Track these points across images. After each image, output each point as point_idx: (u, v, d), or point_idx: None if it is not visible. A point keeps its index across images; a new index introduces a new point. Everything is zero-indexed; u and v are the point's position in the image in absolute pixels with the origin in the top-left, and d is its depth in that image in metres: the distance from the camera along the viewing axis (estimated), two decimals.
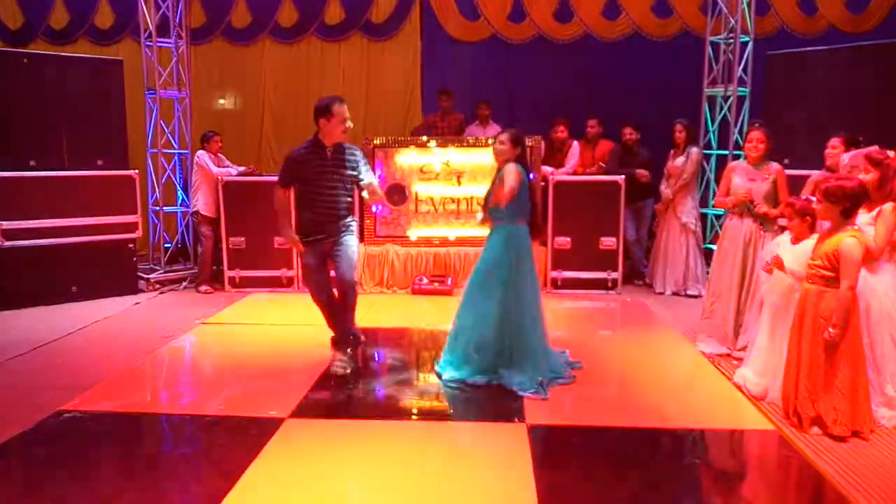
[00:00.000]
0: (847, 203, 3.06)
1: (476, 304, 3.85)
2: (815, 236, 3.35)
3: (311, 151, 3.87)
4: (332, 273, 4.02)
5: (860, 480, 2.74)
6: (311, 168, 3.85)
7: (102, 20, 7.64)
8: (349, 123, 3.85)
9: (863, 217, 3.29)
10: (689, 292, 5.97)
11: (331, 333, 4.16)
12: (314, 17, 7.48)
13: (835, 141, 4.08)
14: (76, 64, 5.90)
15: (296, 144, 8.08)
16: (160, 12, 6.38)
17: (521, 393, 3.63)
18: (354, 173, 3.92)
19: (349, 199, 3.97)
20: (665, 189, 6.09)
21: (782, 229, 3.96)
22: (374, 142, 6.26)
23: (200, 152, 6.12)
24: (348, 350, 4.09)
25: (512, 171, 3.68)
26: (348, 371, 3.98)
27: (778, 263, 3.48)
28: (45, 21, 7.65)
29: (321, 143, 3.87)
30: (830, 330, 3.04)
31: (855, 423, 3.09)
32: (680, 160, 5.97)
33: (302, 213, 3.98)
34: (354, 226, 4.04)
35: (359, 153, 3.99)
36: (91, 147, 5.76)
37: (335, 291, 4.05)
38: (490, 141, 6.27)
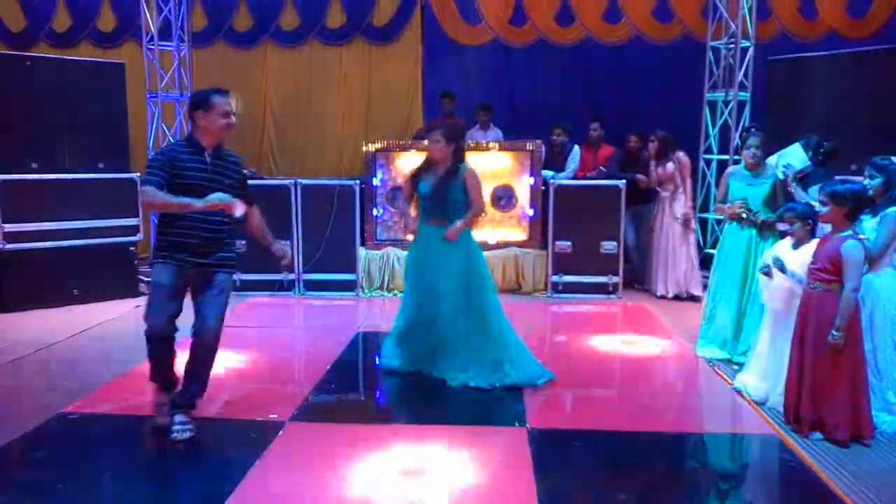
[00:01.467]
0: (853, 204, 3.07)
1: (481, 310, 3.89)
2: (816, 240, 3.35)
3: (190, 153, 3.09)
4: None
5: (861, 486, 2.74)
6: (193, 172, 3.05)
7: (104, 23, 7.67)
8: (233, 119, 3.13)
9: (869, 223, 3.30)
10: (691, 291, 5.97)
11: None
12: (316, 21, 7.50)
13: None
14: (78, 67, 5.92)
15: (297, 148, 8.11)
16: (162, 15, 6.41)
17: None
18: (237, 185, 3.18)
19: (227, 218, 3.13)
20: (663, 193, 6.09)
21: (783, 235, 3.97)
22: (376, 145, 6.28)
23: None
24: (187, 410, 3.23)
25: (476, 175, 3.88)
26: (189, 436, 3.15)
27: (778, 266, 3.49)
28: (47, 24, 7.68)
29: (198, 144, 3.10)
30: (834, 333, 3.04)
31: (855, 428, 3.09)
32: (670, 166, 5.98)
33: (167, 227, 3.11)
34: (234, 259, 3.28)
35: (240, 160, 3.28)
36: (93, 150, 5.76)
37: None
38: (489, 144, 6.33)
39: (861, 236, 3.15)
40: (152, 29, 6.33)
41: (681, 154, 6.03)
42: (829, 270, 3.09)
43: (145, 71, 6.41)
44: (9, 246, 5.39)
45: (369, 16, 7.48)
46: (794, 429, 3.21)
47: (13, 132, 5.47)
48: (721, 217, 5.53)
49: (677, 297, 6.01)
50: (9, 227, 5.38)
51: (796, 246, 3.55)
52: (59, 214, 5.54)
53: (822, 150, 4.06)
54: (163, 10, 6.42)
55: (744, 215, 4.17)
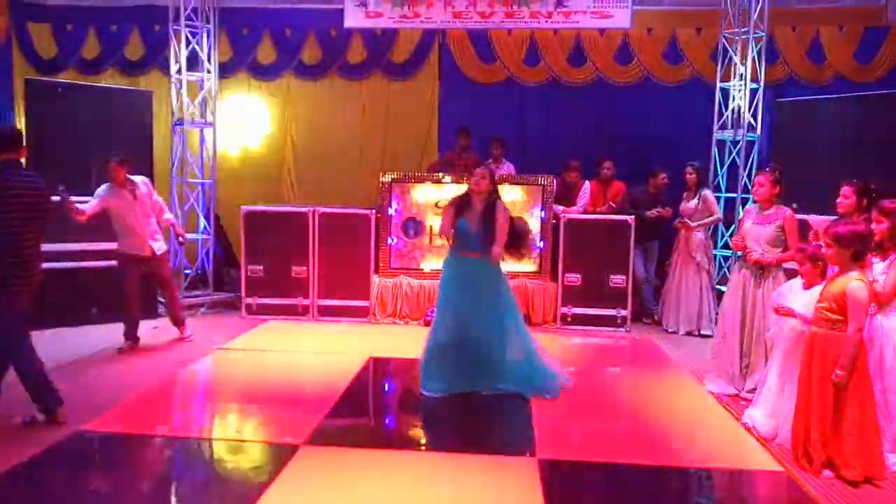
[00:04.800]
0: (859, 246, 3.12)
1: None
2: None
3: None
4: None
5: None
6: None
7: (132, 52, 7.92)
8: None
9: (877, 266, 3.34)
10: (702, 332, 6.00)
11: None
12: (337, 56, 7.74)
13: (846, 189, 3.99)
14: (108, 94, 6.15)
15: (316, 176, 8.25)
16: (190, 47, 6.65)
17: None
18: None
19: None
20: (679, 227, 6.18)
21: (789, 275, 4.02)
22: (392, 176, 6.43)
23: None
24: None
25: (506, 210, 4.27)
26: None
27: (787, 313, 3.55)
28: (77, 52, 7.94)
29: None
30: (838, 372, 3.08)
31: (866, 468, 3.10)
32: (693, 202, 6.09)
33: None
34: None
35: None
36: None
37: None
38: (503, 178, 6.47)
39: (871, 279, 3.21)
40: (180, 59, 6.56)
41: (706, 192, 6.12)
42: (834, 310, 3.14)
43: (172, 100, 6.62)
44: None
45: (389, 52, 7.71)
46: (803, 466, 3.23)
47: (43, 155, 5.66)
48: (730, 253, 5.60)
49: (689, 334, 6.05)
50: None
51: (807, 287, 3.61)
52: (82, 235, 5.66)
53: (873, 193, 3.82)
54: (190, 41, 6.66)
55: (739, 248, 4.31)
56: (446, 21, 7.17)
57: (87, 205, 4.98)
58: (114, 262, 5.76)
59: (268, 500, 2.83)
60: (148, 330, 5.54)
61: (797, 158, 5.90)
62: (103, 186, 5.11)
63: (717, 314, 5.84)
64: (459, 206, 4.23)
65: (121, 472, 3.16)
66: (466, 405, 4.11)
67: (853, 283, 3.09)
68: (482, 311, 4.15)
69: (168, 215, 5.49)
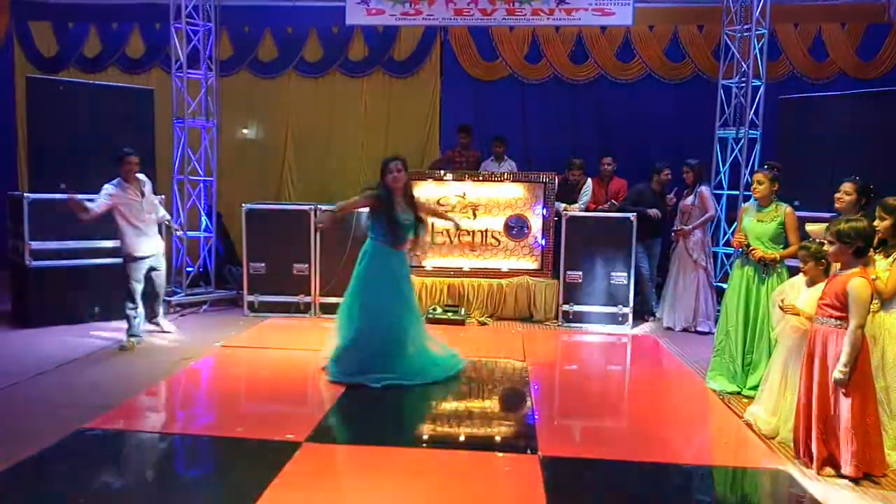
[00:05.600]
0: (860, 243, 3.11)
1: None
2: None
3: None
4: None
5: None
6: None
7: (133, 50, 7.94)
8: None
9: (880, 263, 3.34)
10: (698, 329, 6.02)
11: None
12: (339, 54, 7.74)
13: (847, 186, 3.94)
14: (109, 92, 6.14)
15: (317, 174, 8.27)
16: (191, 45, 6.64)
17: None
18: None
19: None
20: (678, 225, 6.19)
21: (792, 272, 4.01)
22: None
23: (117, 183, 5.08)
24: None
25: None
26: None
27: (792, 310, 3.54)
28: (78, 50, 7.96)
29: None
30: (839, 369, 3.08)
31: (867, 464, 3.10)
32: (690, 199, 6.10)
33: None
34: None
35: None
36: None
37: None
38: (503, 175, 6.47)
39: (873, 278, 3.20)
40: (181, 57, 6.56)
41: (703, 189, 6.12)
42: (836, 307, 3.14)
43: (173, 98, 6.62)
44: (34, 263, 5.54)
45: (390, 50, 7.72)
46: (805, 463, 3.24)
47: (44, 153, 5.68)
48: (730, 251, 5.59)
49: (685, 331, 6.05)
50: (36, 245, 5.54)
51: (810, 284, 3.60)
52: (84, 233, 5.67)
53: (872, 192, 3.81)
54: (192, 39, 6.66)
55: (741, 245, 4.30)
56: (448, 18, 7.17)
57: (96, 203, 4.97)
58: (116, 260, 5.78)
59: (269, 496, 2.83)
60: (150, 328, 5.54)
61: (799, 156, 5.89)
62: (112, 184, 5.06)
63: (716, 311, 5.85)
64: (381, 204, 4.26)
65: (122, 470, 3.17)
66: (466, 403, 4.12)
67: (855, 279, 3.09)
68: (409, 306, 4.37)
69: (162, 211, 5.54)
